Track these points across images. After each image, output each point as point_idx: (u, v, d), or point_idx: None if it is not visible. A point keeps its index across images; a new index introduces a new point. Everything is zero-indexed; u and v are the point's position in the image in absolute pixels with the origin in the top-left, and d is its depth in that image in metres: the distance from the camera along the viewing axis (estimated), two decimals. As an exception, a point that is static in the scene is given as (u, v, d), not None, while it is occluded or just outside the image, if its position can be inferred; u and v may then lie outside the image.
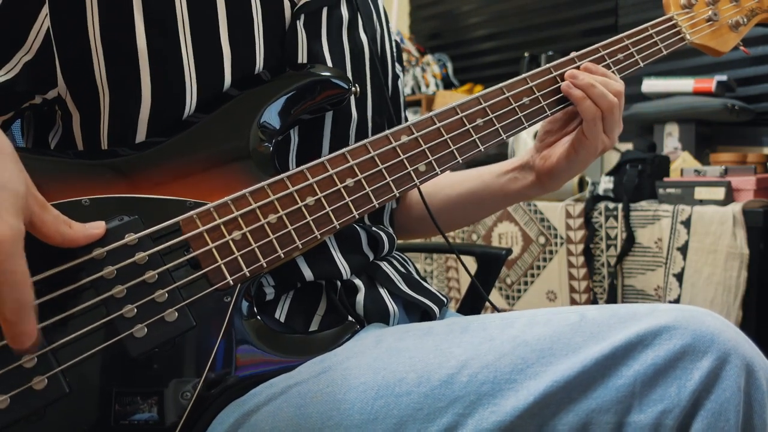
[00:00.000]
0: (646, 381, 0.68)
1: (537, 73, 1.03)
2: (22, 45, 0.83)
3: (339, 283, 0.95)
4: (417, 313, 1.05)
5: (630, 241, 2.26)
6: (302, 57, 0.96)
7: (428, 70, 3.71)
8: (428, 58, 3.80)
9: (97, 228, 0.74)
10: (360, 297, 0.95)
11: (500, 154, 2.66)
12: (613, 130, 1.05)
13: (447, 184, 1.24)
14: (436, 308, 1.04)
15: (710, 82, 2.52)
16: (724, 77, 2.57)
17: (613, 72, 1.08)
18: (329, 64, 0.99)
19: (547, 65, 1.05)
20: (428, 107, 3.44)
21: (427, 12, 4.16)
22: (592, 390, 0.69)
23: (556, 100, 1.04)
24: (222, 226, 0.80)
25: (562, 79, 1.04)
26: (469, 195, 1.21)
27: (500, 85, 1.00)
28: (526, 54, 3.32)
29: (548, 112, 1.02)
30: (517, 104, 1.00)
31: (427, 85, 3.66)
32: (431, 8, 4.12)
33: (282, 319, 0.90)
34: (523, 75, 1.02)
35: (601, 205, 2.35)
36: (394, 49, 1.20)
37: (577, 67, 1.06)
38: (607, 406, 0.68)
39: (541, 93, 1.02)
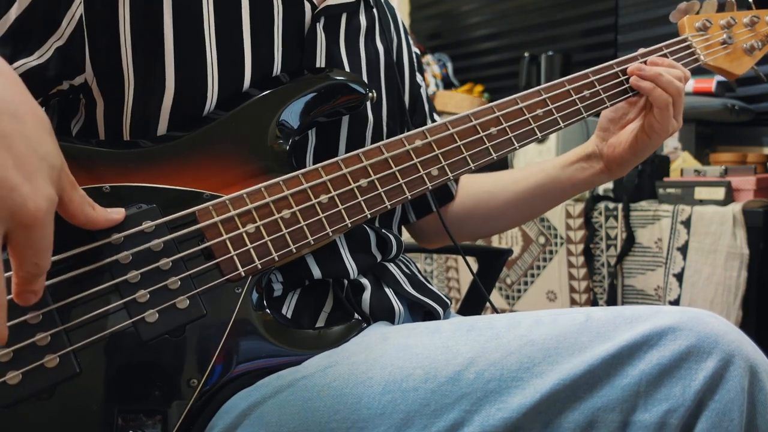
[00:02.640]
0: (651, 381, 0.69)
1: (551, 86, 1.05)
2: (55, 30, 0.85)
3: (346, 281, 0.95)
4: (420, 313, 1.06)
5: (630, 241, 2.27)
6: (320, 60, 0.98)
7: (428, 70, 3.72)
8: (428, 58, 3.80)
9: (117, 213, 0.76)
10: (366, 295, 0.95)
11: (501, 160, 2.65)
12: (680, 113, 1.10)
13: (510, 180, 1.25)
14: (440, 309, 1.05)
15: (710, 82, 2.52)
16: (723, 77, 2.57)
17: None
18: (346, 68, 1.00)
19: (561, 79, 1.06)
20: (428, 107, 3.43)
21: (427, 12, 4.16)
22: (598, 389, 0.70)
23: (570, 113, 1.05)
24: (236, 218, 0.81)
25: (577, 92, 1.06)
26: (535, 189, 1.22)
27: (514, 96, 1.02)
28: (526, 54, 3.32)
29: (561, 125, 1.04)
30: (531, 115, 1.01)
31: (427, 85, 3.66)
32: (431, 8, 4.12)
33: (289, 315, 0.91)
34: (536, 88, 1.04)
35: (601, 205, 2.35)
36: (414, 60, 1.21)
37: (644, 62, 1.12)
38: (612, 404, 0.69)
39: (555, 105, 1.04)
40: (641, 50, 1.14)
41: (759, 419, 0.69)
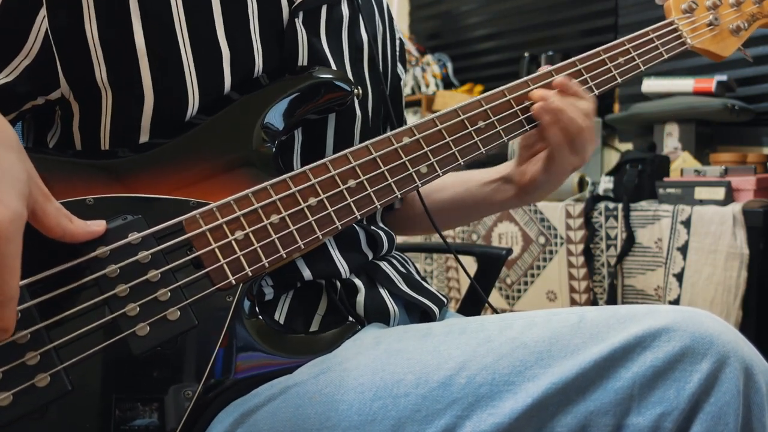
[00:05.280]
0: (645, 383, 0.69)
1: (539, 76, 1.04)
2: (20, 50, 0.83)
3: (338, 282, 0.95)
4: (417, 313, 1.05)
5: (630, 241, 2.27)
6: (302, 55, 0.96)
7: (428, 70, 3.71)
8: (428, 58, 3.79)
9: (98, 226, 0.74)
10: (360, 297, 0.95)
11: (500, 153, 2.65)
12: (583, 150, 1.03)
13: (435, 188, 1.23)
14: (436, 308, 1.04)
15: (710, 82, 2.52)
16: (724, 77, 2.57)
17: (586, 81, 1.06)
18: (330, 62, 0.99)
19: (549, 69, 1.05)
20: (428, 107, 3.44)
21: (427, 12, 4.15)
22: (591, 392, 0.69)
23: None
24: (224, 226, 0.80)
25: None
26: (455, 201, 1.21)
27: (502, 87, 1.00)
28: (526, 54, 3.32)
29: None
30: (519, 107, 1.00)
31: (427, 85, 3.66)
32: (431, 8, 4.12)
33: (282, 320, 0.90)
34: (525, 78, 1.03)
35: (601, 205, 2.35)
36: (397, 49, 1.20)
37: (549, 84, 1.03)
38: (605, 408, 0.69)
39: None
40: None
41: (755, 422, 0.69)
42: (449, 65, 3.85)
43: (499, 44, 3.75)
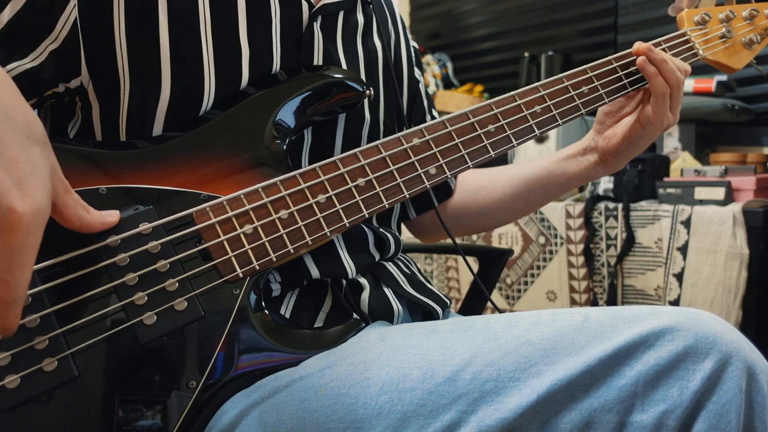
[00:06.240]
0: (649, 381, 0.69)
1: (549, 82, 1.04)
2: (49, 33, 0.84)
3: (344, 281, 0.95)
4: (420, 313, 1.06)
5: (630, 241, 2.27)
6: (317, 59, 0.98)
7: (428, 70, 3.71)
8: (428, 58, 3.80)
9: (112, 216, 0.75)
10: (365, 295, 0.95)
11: (500, 158, 2.65)
12: (677, 108, 1.10)
13: (506, 175, 1.26)
14: (439, 309, 1.05)
15: (710, 82, 2.52)
16: (724, 77, 2.57)
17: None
18: (344, 67, 1.00)
19: (559, 75, 1.06)
20: (429, 107, 3.43)
21: (427, 12, 4.15)
22: (595, 389, 0.70)
23: (568, 110, 1.05)
24: (234, 219, 0.81)
25: (575, 88, 1.05)
26: (531, 183, 1.23)
27: (512, 93, 1.01)
28: (526, 54, 3.32)
29: (559, 122, 1.03)
30: (529, 112, 1.01)
31: (427, 85, 3.65)
32: (431, 8, 4.11)
33: (287, 315, 0.91)
34: (534, 84, 1.04)
35: (601, 205, 2.35)
36: (412, 55, 1.21)
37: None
38: (609, 405, 0.69)
39: (553, 102, 1.03)
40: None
41: (756, 421, 0.69)
42: (449, 65, 3.85)
43: (499, 44, 3.75)
